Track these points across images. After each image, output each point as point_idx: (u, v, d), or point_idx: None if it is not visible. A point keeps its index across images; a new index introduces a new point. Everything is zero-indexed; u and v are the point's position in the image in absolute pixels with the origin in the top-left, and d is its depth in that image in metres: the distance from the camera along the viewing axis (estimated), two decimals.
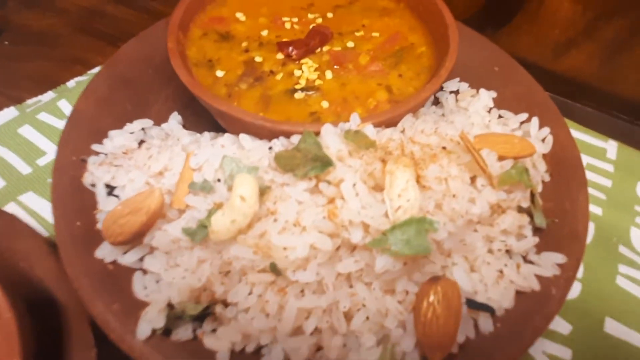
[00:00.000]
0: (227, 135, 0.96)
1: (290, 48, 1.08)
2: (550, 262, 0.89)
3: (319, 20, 1.18)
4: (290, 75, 1.06)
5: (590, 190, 1.02)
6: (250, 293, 0.79)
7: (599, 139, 1.36)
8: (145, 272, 0.84)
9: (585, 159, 1.25)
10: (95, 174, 0.93)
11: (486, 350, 0.81)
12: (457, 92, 1.16)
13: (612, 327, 1.02)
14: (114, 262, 0.85)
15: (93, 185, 0.94)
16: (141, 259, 0.85)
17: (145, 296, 0.81)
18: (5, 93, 1.39)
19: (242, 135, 0.94)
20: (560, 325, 1.00)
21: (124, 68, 1.14)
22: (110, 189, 0.92)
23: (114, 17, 1.71)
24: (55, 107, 1.29)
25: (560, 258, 0.90)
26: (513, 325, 0.84)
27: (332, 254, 0.79)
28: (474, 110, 1.09)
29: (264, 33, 1.14)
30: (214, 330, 0.80)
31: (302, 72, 1.06)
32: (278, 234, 0.77)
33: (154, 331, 0.78)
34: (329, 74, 1.07)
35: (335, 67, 1.08)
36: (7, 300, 0.71)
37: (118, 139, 1.00)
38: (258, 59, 1.08)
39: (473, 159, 0.87)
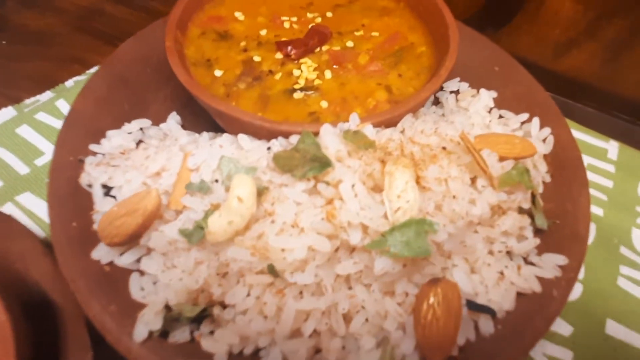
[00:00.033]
0: (225, 135, 0.95)
1: (289, 47, 1.08)
2: (551, 264, 0.89)
3: (318, 20, 1.18)
4: (289, 75, 1.06)
5: (592, 191, 1.02)
6: (248, 295, 0.78)
7: (600, 139, 1.36)
8: (142, 273, 0.83)
9: (586, 160, 1.24)
10: (92, 174, 0.92)
11: (487, 353, 0.81)
12: (457, 92, 1.16)
13: (613, 328, 1.01)
14: (110, 264, 0.85)
15: (90, 185, 0.93)
16: (138, 260, 0.84)
17: (142, 298, 0.81)
18: (3, 93, 1.38)
19: (240, 136, 0.93)
20: (561, 326, 1.00)
21: (122, 67, 1.13)
22: (107, 190, 0.92)
23: (113, 17, 1.70)
24: (54, 107, 1.28)
25: (561, 259, 0.89)
26: (514, 327, 0.83)
27: (330, 256, 0.79)
28: (474, 111, 1.08)
29: (263, 32, 1.14)
30: (211, 333, 0.79)
31: (301, 71, 1.06)
32: (276, 235, 0.76)
33: (150, 333, 0.77)
34: (328, 74, 1.06)
35: (334, 66, 1.07)
36: (2, 303, 0.70)
37: (116, 139, 0.99)
38: (257, 58, 1.08)
39: (473, 160, 0.86)
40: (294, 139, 0.89)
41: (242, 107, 0.99)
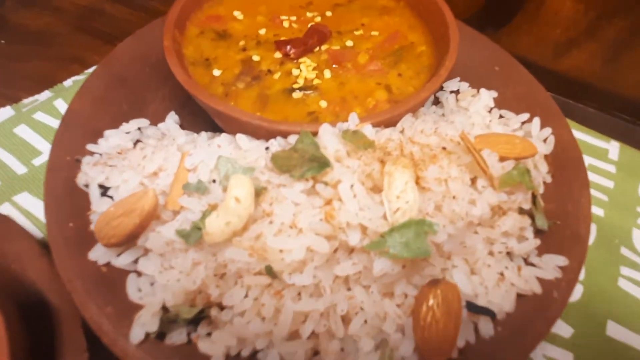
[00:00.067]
0: (224, 135, 0.95)
1: (289, 47, 1.07)
2: (551, 265, 0.88)
3: (318, 19, 1.17)
4: (288, 75, 1.05)
5: (592, 192, 1.01)
6: (245, 296, 0.77)
7: (601, 139, 1.35)
8: (139, 274, 0.83)
9: (587, 160, 1.23)
10: (89, 174, 0.92)
11: (487, 355, 0.80)
12: (457, 92, 1.15)
13: (615, 330, 1.00)
14: (107, 264, 0.84)
15: (87, 185, 0.92)
16: (135, 261, 0.84)
17: (139, 299, 0.80)
18: (2, 93, 1.38)
19: (239, 136, 0.92)
20: (561, 328, 0.99)
21: (120, 67, 1.13)
22: (104, 190, 0.91)
23: (112, 16, 1.70)
24: (52, 107, 1.27)
25: (562, 260, 0.89)
26: (514, 329, 0.82)
27: (329, 257, 0.78)
28: (474, 110, 1.08)
29: (262, 32, 1.13)
30: (208, 334, 0.78)
31: (300, 71, 1.05)
32: (274, 236, 0.76)
33: (147, 335, 0.77)
34: (327, 73, 1.05)
35: (333, 66, 1.07)
36: None
37: (113, 139, 0.99)
38: (256, 57, 1.07)
39: (473, 160, 0.86)
40: (293, 138, 0.88)
41: (240, 106, 0.99)
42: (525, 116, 1.08)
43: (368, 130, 0.89)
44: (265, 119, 0.93)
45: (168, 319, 0.77)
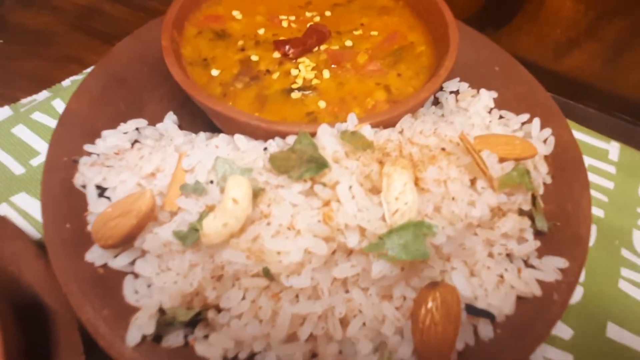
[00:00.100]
0: (222, 135, 0.94)
1: (287, 47, 1.07)
2: (552, 267, 0.88)
3: (317, 19, 1.17)
4: (286, 75, 1.04)
5: (592, 192, 1.01)
6: (243, 298, 0.77)
7: (601, 140, 1.34)
8: (136, 276, 0.82)
9: (587, 161, 1.23)
10: (86, 174, 0.91)
11: (486, 358, 0.80)
12: (457, 92, 1.15)
13: (615, 332, 1.00)
14: (104, 266, 0.84)
15: (84, 186, 0.92)
16: (132, 263, 0.83)
17: (136, 301, 0.79)
18: (0, 93, 1.37)
19: (237, 136, 0.92)
20: (561, 330, 0.98)
21: (118, 67, 1.12)
22: (102, 191, 0.91)
23: (111, 16, 1.69)
24: (50, 107, 1.27)
25: (562, 262, 0.88)
26: (514, 332, 0.82)
27: (327, 259, 0.77)
28: (474, 111, 1.07)
29: (261, 31, 1.13)
30: (206, 337, 0.78)
31: (299, 71, 1.05)
32: (271, 237, 0.75)
33: (144, 337, 0.76)
34: (326, 74, 1.05)
35: (332, 66, 1.06)
36: None
37: (111, 139, 0.98)
38: (254, 57, 1.07)
39: (473, 161, 0.85)
40: (291, 139, 0.88)
41: (239, 107, 0.98)
42: (525, 117, 1.08)
43: (367, 130, 0.88)
44: (264, 119, 0.92)
45: (165, 322, 0.77)
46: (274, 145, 0.90)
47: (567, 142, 1.05)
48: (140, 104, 1.10)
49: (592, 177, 1.21)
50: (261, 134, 0.92)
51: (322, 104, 1.00)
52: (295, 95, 1.01)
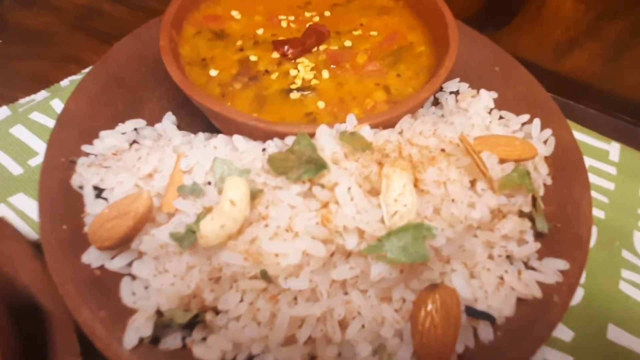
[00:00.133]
0: (220, 136, 0.94)
1: (286, 47, 1.06)
2: (552, 269, 0.87)
3: (316, 19, 1.16)
4: (285, 75, 1.04)
5: (593, 193, 1.00)
6: (241, 300, 0.76)
7: (602, 140, 1.34)
8: (133, 277, 0.82)
9: (588, 161, 1.22)
10: (84, 175, 0.91)
11: None
12: (457, 93, 1.14)
13: (615, 333, 0.99)
14: (101, 267, 0.83)
15: (81, 187, 0.91)
16: (129, 264, 0.83)
17: (133, 303, 0.79)
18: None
19: (235, 137, 0.91)
20: (562, 332, 0.98)
21: (116, 67, 1.12)
22: (99, 191, 0.90)
23: (110, 16, 1.69)
24: (48, 107, 1.26)
25: (562, 264, 0.88)
26: (514, 334, 0.81)
27: (326, 261, 0.77)
28: (474, 111, 1.06)
29: (260, 31, 1.12)
30: (203, 339, 0.77)
31: (298, 71, 1.04)
32: (269, 239, 0.75)
33: (141, 339, 0.76)
34: (325, 74, 1.04)
35: (332, 66, 1.06)
36: None
37: (109, 140, 0.98)
38: (253, 58, 1.06)
39: (473, 162, 0.85)
40: (290, 140, 0.87)
41: (237, 107, 0.98)
42: (525, 117, 1.07)
43: (366, 131, 0.88)
44: (262, 119, 0.92)
45: (162, 324, 0.76)
46: (273, 146, 0.89)
47: (568, 143, 1.04)
48: (139, 104, 1.10)
49: (592, 178, 1.20)
50: (260, 135, 0.91)
51: (321, 105, 1.00)
52: (294, 95, 1.01)
